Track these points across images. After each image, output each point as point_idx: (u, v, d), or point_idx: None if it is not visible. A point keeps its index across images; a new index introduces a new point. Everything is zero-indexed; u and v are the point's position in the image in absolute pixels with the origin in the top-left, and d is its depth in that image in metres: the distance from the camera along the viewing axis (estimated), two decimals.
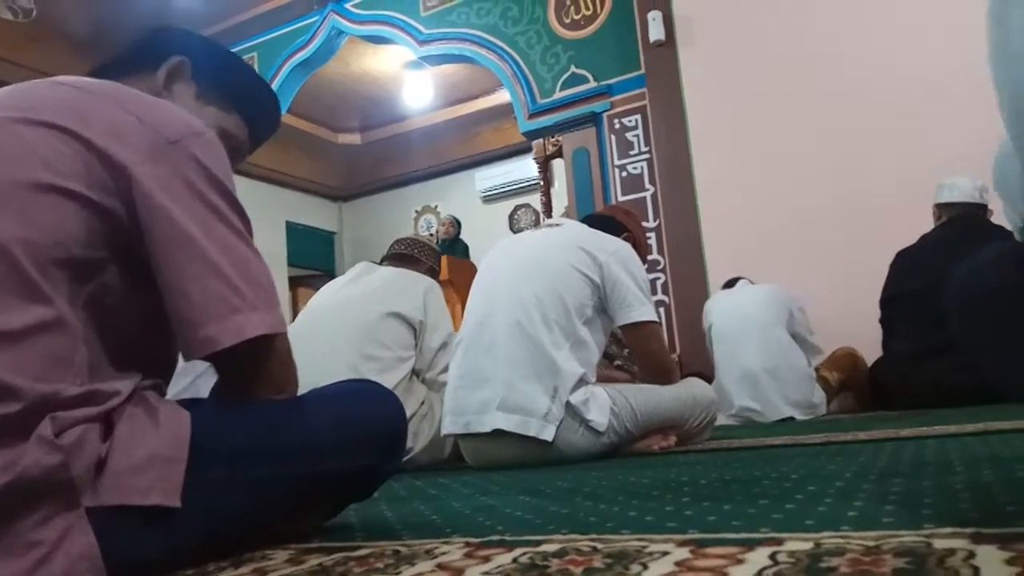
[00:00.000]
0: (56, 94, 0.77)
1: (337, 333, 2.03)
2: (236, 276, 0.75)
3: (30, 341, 0.65)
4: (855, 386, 3.17)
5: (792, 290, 3.17)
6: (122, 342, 0.74)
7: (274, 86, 5.52)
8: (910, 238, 3.03)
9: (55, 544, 0.62)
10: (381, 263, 2.42)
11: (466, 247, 6.33)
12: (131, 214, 0.73)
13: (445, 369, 2.10)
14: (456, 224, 6.37)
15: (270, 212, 7.54)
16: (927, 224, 3.06)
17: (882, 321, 3.08)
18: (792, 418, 2.88)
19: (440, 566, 0.64)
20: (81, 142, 0.72)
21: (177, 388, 1.22)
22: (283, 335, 0.81)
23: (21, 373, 0.64)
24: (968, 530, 0.58)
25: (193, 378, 1.45)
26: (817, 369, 3.04)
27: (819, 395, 2.95)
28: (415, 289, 2.14)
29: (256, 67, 5.70)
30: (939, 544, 0.54)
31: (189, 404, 0.76)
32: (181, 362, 0.82)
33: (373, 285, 2.15)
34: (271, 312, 0.78)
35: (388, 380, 1.89)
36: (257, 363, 0.79)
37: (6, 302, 0.65)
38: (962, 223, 2.91)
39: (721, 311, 3.17)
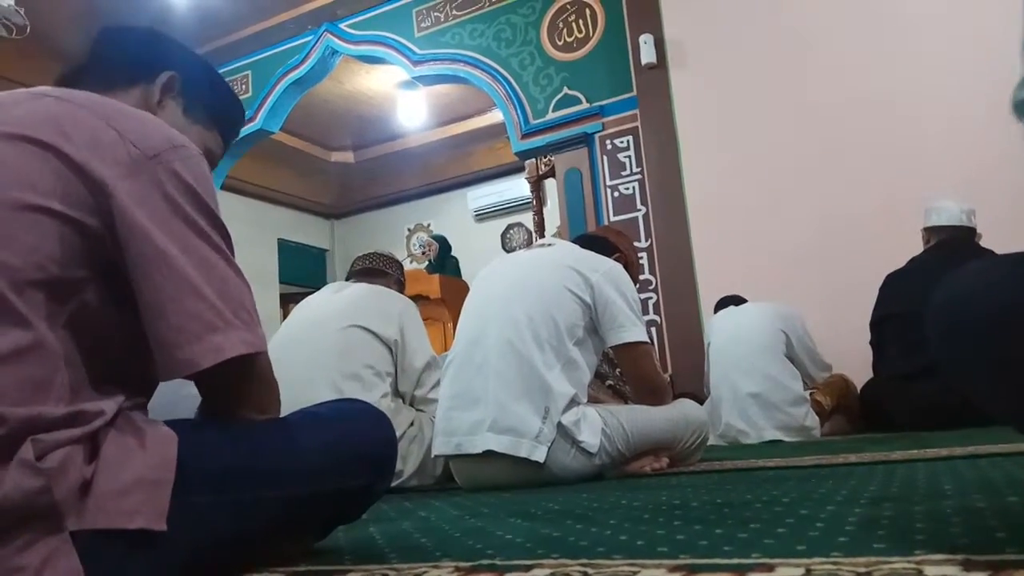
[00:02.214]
0: (36, 106, 0.76)
1: (316, 353, 2.01)
2: (214, 295, 0.74)
3: (8, 367, 0.64)
4: (847, 409, 3.17)
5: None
6: (106, 362, 0.73)
7: (268, 104, 5.56)
8: (900, 261, 3.05)
9: (38, 570, 0.61)
10: (349, 280, 2.40)
11: (457, 264, 6.32)
12: (111, 231, 0.71)
13: (435, 386, 2.09)
14: (437, 242, 6.32)
15: (262, 229, 7.53)
16: (917, 247, 3.09)
17: (872, 343, 3.10)
18: (780, 440, 2.88)
19: None
20: (60, 157, 0.71)
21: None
22: (263, 354, 0.79)
23: (1, 399, 0.63)
24: (959, 556, 0.58)
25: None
26: (811, 393, 3.04)
27: (812, 419, 2.95)
28: (390, 308, 2.12)
29: (250, 85, 5.72)
30: (930, 571, 0.54)
31: (176, 424, 0.75)
32: None
33: (347, 303, 2.13)
34: (250, 331, 0.76)
35: (370, 400, 1.88)
36: (237, 383, 0.78)
37: None
38: (950, 246, 2.94)
39: (721, 330, 3.18)
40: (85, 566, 0.63)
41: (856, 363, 3.18)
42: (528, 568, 0.69)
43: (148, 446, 0.70)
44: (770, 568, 0.60)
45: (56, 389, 0.67)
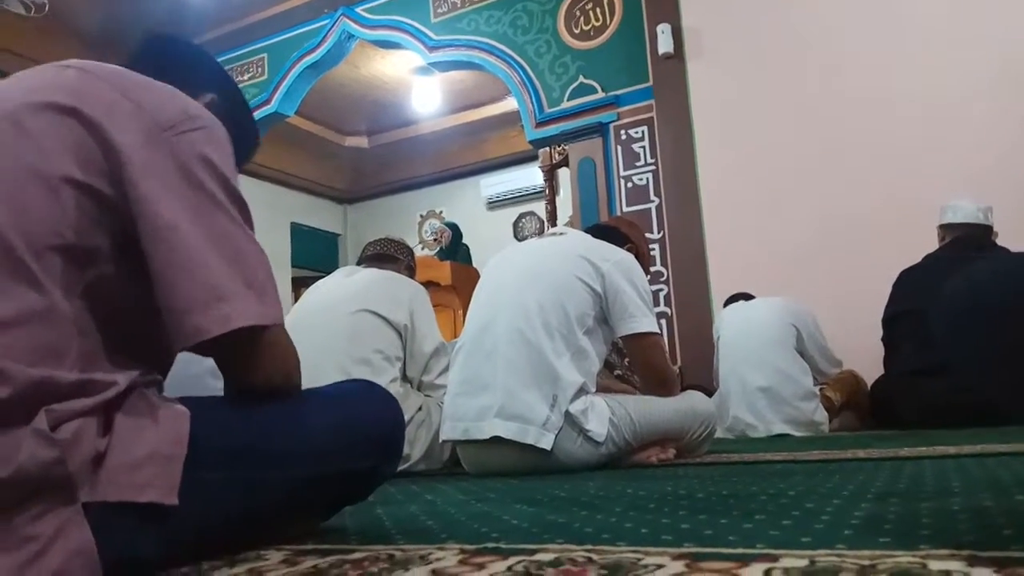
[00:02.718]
0: (59, 76, 0.77)
1: (326, 337, 2.02)
2: (226, 265, 0.74)
3: (21, 329, 0.65)
4: (857, 406, 3.16)
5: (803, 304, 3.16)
6: (120, 333, 0.74)
7: (283, 88, 5.56)
8: (913, 258, 3.03)
9: (51, 539, 0.62)
10: (360, 265, 2.41)
11: (468, 252, 6.32)
12: (125, 200, 0.72)
13: (443, 372, 2.10)
14: (450, 229, 6.34)
15: (275, 212, 7.55)
16: (930, 245, 3.07)
17: (884, 340, 3.08)
18: (788, 434, 2.87)
19: (434, 572, 0.64)
20: (82, 124, 0.72)
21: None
22: (278, 326, 0.79)
23: (11, 358, 0.63)
24: (964, 552, 0.58)
25: None
26: (821, 389, 3.03)
27: (821, 414, 2.94)
28: (400, 294, 2.13)
29: (266, 68, 5.73)
30: (934, 566, 0.54)
31: (189, 402, 0.76)
32: None
33: (357, 287, 2.14)
34: (264, 303, 0.76)
35: (379, 383, 1.89)
36: (248, 353, 0.78)
37: (1, 290, 0.65)
38: (965, 243, 2.92)
39: (731, 324, 3.17)
40: (96, 538, 0.64)
41: (867, 359, 3.17)
42: (533, 552, 0.70)
43: (161, 421, 0.71)
44: (774, 559, 0.60)
45: (69, 356, 0.67)
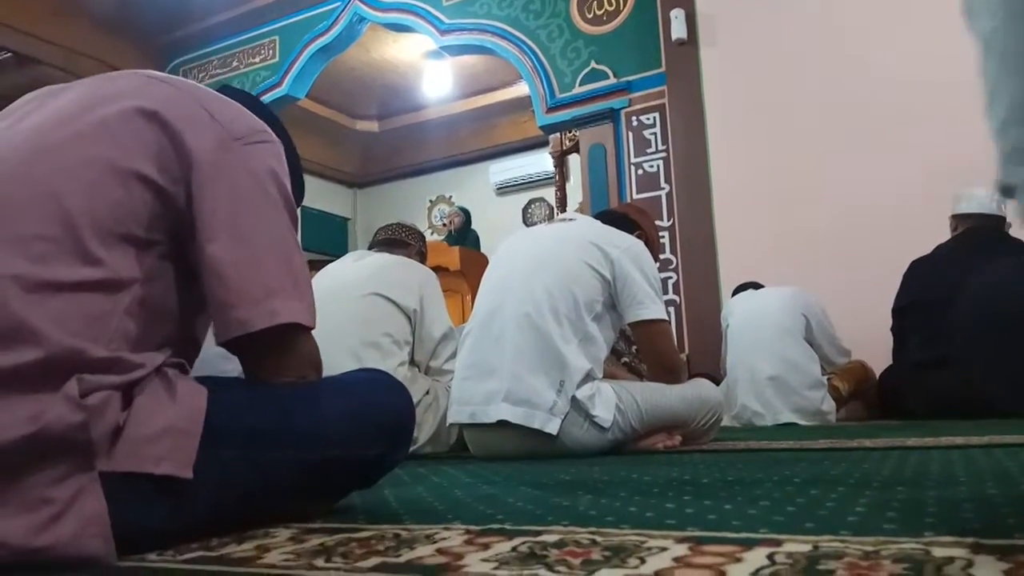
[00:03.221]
0: (138, 81, 0.83)
1: (336, 320, 2.02)
2: (278, 266, 0.79)
3: (73, 296, 0.68)
4: (864, 396, 3.15)
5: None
6: (158, 321, 0.77)
7: (294, 71, 5.56)
8: (924, 248, 3.01)
9: (67, 503, 0.64)
10: (371, 249, 2.41)
11: (477, 238, 6.32)
12: (189, 201, 0.77)
13: (450, 358, 2.10)
14: (463, 214, 6.34)
15: None
16: (942, 234, 3.04)
17: (893, 330, 3.07)
18: (795, 423, 2.87)
19: (440, 551, 0.65)
20: (160, 127, 0.77)
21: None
22: (310, 330, 0.84)
23: (53, 322, 0.66)
24: (968, 540, 0.58)
25: None
26: (829, 378, 3.03)
27: (828, 403, 2.94)
28: (411, 278, 2.13)
29: (277, 51, 5.72)
30: (938, 552, 0.55)
31: (206, 380, 0.78)
32: None
33: (368, 271, 2.14)
34: (305, 305, 0.81)
35: (387, 367, 1.90)
36: (283, 351, 0.82)
37: (59, 259, 0.69)
38: (978, 234, 2.89)
39: (740, 312, 3.15)
40: (110, 507, 0.65)
41: (876, 350, 3.15)
42: (537, 533, 0.71)
43: (179, 398, 0.73)
44: (777, 543, 0.61)
45: (106, 334, 0.70)
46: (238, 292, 0.76)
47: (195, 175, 0.77)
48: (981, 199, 2.94)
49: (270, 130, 0.87)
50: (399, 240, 2.42)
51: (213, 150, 0.78)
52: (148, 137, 0.77)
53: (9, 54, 5.19)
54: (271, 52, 5.74)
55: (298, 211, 0.93)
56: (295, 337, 0.82)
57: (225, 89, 0.99)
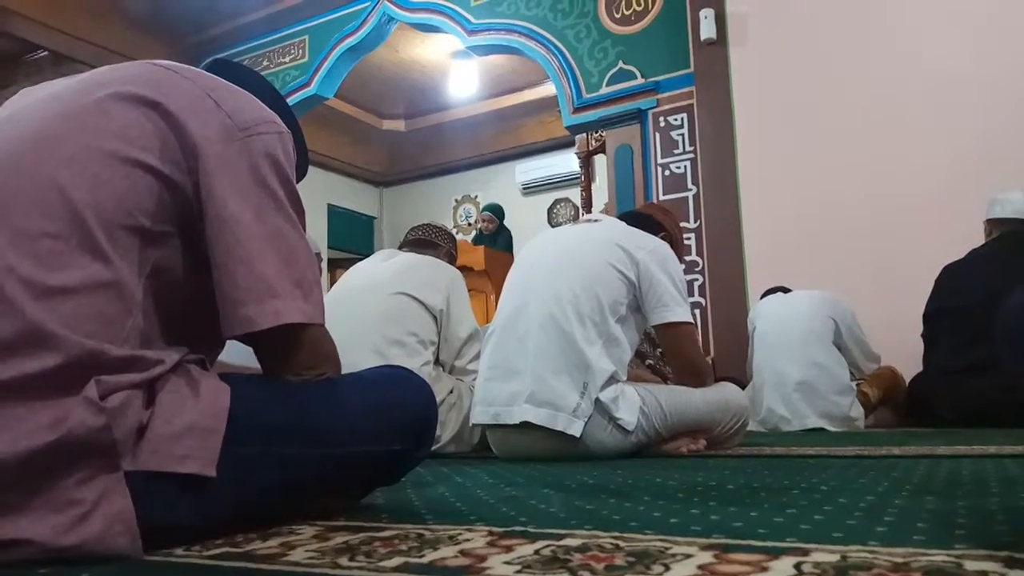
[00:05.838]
0: (144, 70, 0.82)
1: (362, 317, 2.04)
2: (282, 263, 0.78)
3: (83, 298, 0.68)
4: (893, 402, 3.10)
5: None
6: (176, 316, 0.77)
7: (323, 70, 5.60)
8: (957, 253, 2.95)
9: (94, 504, 0.64)
10: (401, 249, 2.43)
11: (510, 237, 6.32)
12: (196, 191, 0.76)
13: (475, 358, 2.11)
14: (496, 217, 6.35)
15: (312, 194, 7.63)
16: (976, 239, 2.98)
17: (924, 335, 3.01)
18: (822, 429, 2.83)
19: (463, 552, 0.65)
20: (162, 115, 0.76)
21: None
22: (319, 326, 0.83)
23: (68, 326, 0.66)
24: (1002, 553, 0.57)
25: None
26: (858, 384, 2.98)
27: (857, 409, 2.89)
28: (439, 279, 2.14)
29: (306, 50, 5.76)
30: (970, 566, 0.53)
31: (229, 378, 0.78)
32: None
33: (396, 270, 2.16)
34: (309, 302, 0.80)
35: (412, 366, 1.91)
36: (290, 347, 0.81)
37: (69, 260, 0.69)
38: (1013, 240, 2.82)
39: (767, 316, 3.11)
40: (136, 505, 0.66)
41: (906, 356, 3.10)
42: (560, 537, 0.70)
43: (202, 396, 0.73)
44: (804, 552, 0.60)
45: (124, 332, 0.70)
46: (244, 290, 0.76)
47: (201, 165, 0.76)
48: (1017, 203, 2.87)
49: (279, 119, 0.85)
50: (429, 241, 2.43)
51: (219, 140, 0.77)
52: (150, 127, 0.76)
53: (46, 52, 5.30)
54: (301, 52, 5.79)
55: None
56: (303, 334, 0.81)
57: (216, 63, 0.98)
